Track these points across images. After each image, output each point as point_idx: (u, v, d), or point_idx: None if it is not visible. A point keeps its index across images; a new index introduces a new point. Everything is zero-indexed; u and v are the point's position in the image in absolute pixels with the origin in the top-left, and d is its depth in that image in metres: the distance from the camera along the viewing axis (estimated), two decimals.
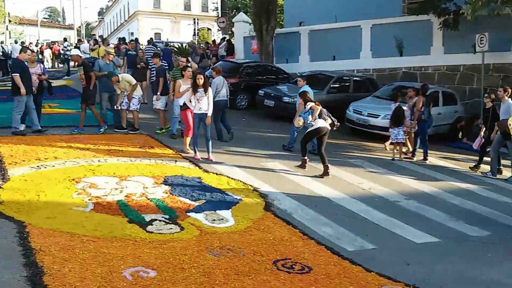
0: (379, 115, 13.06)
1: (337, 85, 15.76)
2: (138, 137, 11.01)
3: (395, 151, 11.47)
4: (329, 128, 9.47)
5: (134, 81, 11.34)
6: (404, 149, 11.65)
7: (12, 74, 10.44)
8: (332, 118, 9.65)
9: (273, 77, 17.15)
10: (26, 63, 10.61)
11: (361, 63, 18.92)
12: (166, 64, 13.34)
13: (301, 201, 7.61)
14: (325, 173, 9.22)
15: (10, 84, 11.02)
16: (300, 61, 20.79)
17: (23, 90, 10.10)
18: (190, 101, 9.54)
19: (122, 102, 11.18)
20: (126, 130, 11.34)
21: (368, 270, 5.39)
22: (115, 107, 11.42)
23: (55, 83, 16.05)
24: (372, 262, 5.64)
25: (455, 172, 11.01)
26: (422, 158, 11.55)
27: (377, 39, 18.58)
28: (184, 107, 9.86)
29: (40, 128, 10.79)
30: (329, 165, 9.29)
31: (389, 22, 18.48)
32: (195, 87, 9.44)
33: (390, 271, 5.42)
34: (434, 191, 9.15)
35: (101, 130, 11.18)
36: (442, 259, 6.04)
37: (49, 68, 26.35)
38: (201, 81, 9.37)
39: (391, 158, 11.34)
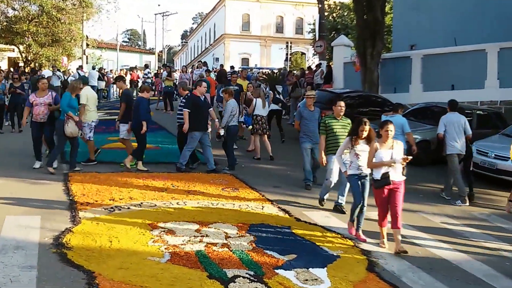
0: (510, 158, 12.37)
1: None
2: (221, 177, 11.21)
3: None
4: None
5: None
6: None
7: (183, 109, 11.34)
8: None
9: (378, 109, 16.83)
10: (202, 98, 11.59)
11: (486, 94, 18.22)
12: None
13: (412, 262, 7.27)
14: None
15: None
16: (411, 90, 20.44)
17: (186, 126, 11.12)
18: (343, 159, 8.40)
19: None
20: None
21: None
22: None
23: None
24: None
25: None
26: None
27: (506, 65, 17.84)
28: (382, 183, 7.59)
29: (215, 167, 11.54)
30: None
31: None
32: (356, 139, 8.10)
33: None
34: None
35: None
36: None
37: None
38: (365, 132, 8.05)
39: None
